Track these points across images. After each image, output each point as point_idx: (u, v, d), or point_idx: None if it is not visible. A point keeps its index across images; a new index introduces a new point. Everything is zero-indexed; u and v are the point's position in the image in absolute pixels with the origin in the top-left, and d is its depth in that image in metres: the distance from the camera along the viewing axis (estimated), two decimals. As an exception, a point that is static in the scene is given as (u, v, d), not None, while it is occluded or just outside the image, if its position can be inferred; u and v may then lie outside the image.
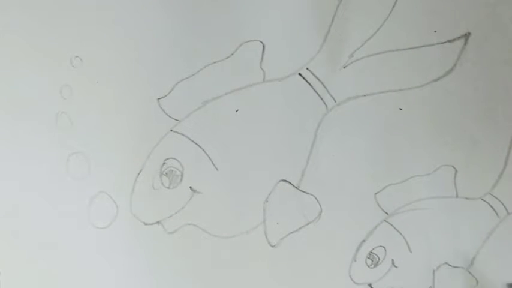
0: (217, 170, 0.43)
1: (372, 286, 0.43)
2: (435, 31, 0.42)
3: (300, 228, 0.43)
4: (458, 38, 0.42)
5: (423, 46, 0.42)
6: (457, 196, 0.43)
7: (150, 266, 0.43)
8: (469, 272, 0.43)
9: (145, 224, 0.43)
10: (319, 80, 0.42)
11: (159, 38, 0.42)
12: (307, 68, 0.42)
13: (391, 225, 0.43)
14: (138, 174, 0.43)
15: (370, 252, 0.43)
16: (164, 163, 0.43)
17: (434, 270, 0.43)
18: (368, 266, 0.43)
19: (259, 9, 0.42)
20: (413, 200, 0.43)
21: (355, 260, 0.43)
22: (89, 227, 0.43)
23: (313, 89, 0.42)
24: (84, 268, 0.43)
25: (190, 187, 0.43)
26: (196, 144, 0.43)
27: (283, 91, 0.43)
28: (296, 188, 0.43)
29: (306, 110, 0.43)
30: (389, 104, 0.42)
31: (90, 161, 0.43)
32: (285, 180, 0.43)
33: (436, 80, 0.42)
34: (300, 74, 0.42)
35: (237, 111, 0.43)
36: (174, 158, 0.43)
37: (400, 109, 0.42)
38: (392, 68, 0.42)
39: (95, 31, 0.42)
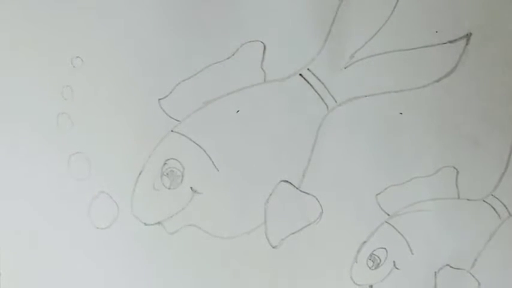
0: (217, 170, 0.43)
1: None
2: (436, 31, 0.42)
3: (301, 229, 0.43)
4: (460, 38, 0.42)
5: (424, 47, 0.42)
6: (458, 197, 0.43)
7: (151, 267, 0.43)
8: (471, 274, 0.43)
9: (146, 225, 0.43)
10: (320, 80, 0.42)
11: (160, 39, 0.42)
12: (308, 69, 0.42)
13: (393, 226, 0.43)
14: (139, 174, 0.43)
15: (372, 254, 0.43)
16: (165, 164, 0.43)
17: (436, 272, 0.43)
18: (369, 268, 0.43)
19: (260, 9, 0.42)
20: (415, 201, 0.43)
21: (356, 261, 0.43)
22: (89, 227, 0.43)
23: (314, 89, 0.42)
24: (85, 268, 0.43)
25: (191, 188, 0.43)
26: (197, 144, 0.43)
27: (284, 92, 0.43)
28: (297, 188, 0.43)
29: (306, 111, 0.43)
30: (390, 104, 0.42)
31: (91, 161, 0.43)
32: (286, 181, 0.43)
33: (437, 81, 0.42)
34: (300, 74, 0.42)
35: (237, 111, 0.43)
36: (174, 159, 0.43)
37: (401, 113, 0.42)
38: (394, 69, 0.42)
39: (95, 31, 0.42)
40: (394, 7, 0.42)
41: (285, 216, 0.43)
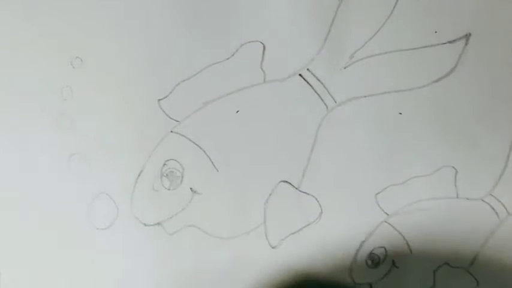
0: (217, 171, 0.43)
1: (373, 286, 0.43)
2: (436, 32, 0.42)
3: (300, 229, 0.43)
4: (459, 38, 0.42)
5: (424, 47, 0.42)
6: (457, 197, 0.43)
7: (150, 267, 0.43)
8: (470, 273, 0.43)
9: (146, 225, 0.43)
10: (319, 80, 0.42)
11: (160, 39, 0.42)
12: (307, 69, 0.42)
13: (392, 225, 0.43)
14: (139, 175, 0.43)
15: (371, 253, 0.43)
16: (164, 164, 0.43)
17: (434, 271, 0.43)
18: (369, 267, 0.43)
19: (260, 9, 0.42)
20: (414, 200, 0.43)
21: (355, 261, 0.43)
22: (89, 228, 0.43)
23: (314, 89, 0.42)
24: (84, 269, 0.43)
25: (191, 188, 0.43)
26: (197, 145, 0.43)
27: (283, 92, 0.43)
28: (296, 188, 0.43)
29: (306, 111, 0.43)
30: (389, 104, 0.42)
31: (91, 162, 0.43)
32: (286, 181, 0.43)
33: (436, 81, 0.42)
34: (300, 74, 0.42)
35: (237, 112, 0.43)
36: (174, 159, 0.43)
37: (400, 113, 0.42)
38: (393, 69, 0.42)
39: (95, 32, 0.42)
40: (394, 7, 0.42)
41: (285, 216, 0.43)
